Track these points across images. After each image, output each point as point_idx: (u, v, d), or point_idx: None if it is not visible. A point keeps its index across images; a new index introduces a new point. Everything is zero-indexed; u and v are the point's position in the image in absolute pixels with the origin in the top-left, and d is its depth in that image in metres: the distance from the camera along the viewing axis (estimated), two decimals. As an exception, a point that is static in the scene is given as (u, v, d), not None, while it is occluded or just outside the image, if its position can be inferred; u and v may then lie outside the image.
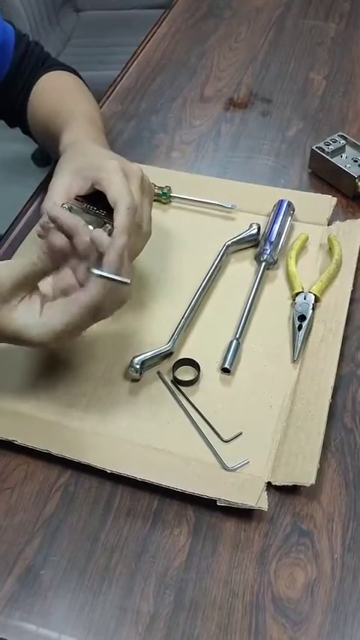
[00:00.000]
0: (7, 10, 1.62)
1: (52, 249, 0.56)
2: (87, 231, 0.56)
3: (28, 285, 0.57)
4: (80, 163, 0.66)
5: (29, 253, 0.57)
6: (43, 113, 0.81)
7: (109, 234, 0.58)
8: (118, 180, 0.61)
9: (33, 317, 0.56)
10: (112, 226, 0.58)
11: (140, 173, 0.65)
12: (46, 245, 0.56)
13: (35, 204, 0.86)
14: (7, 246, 0.80)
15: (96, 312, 0.56)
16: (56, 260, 0.57)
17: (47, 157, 2.30)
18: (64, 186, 0.64)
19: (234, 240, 0.76)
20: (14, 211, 0.90)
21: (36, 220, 0.81)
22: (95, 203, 0.63)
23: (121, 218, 0.59)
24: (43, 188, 0.87)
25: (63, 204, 0.63)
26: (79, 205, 0.64)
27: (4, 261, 0.57)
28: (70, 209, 0.62)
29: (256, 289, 0.72)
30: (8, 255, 0.78)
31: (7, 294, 0.55)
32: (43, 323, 0.55)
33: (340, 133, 0.87)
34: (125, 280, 0.54)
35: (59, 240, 0.55)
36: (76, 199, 0.64)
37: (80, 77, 0.89)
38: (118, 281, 0.54)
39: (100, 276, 0.54)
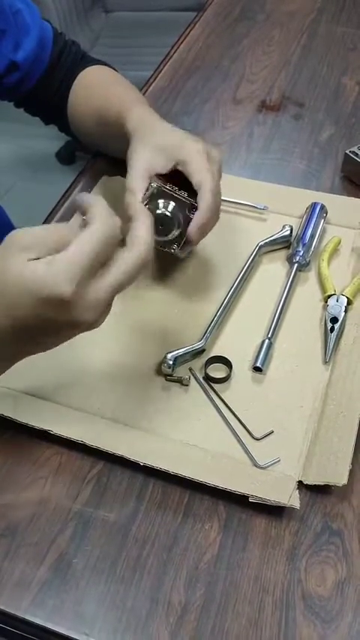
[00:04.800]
0: (39, 8, 1.63)
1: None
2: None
3: (55, 245, 0.47)
4: (161, 141, 0.66)
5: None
6: (93, 105, 0.81)
7: (192, 213, 0.63)
8: (203, 162, 0.63)
9: (51, 260, 0.46)
10: (195, 205, 0.63)
11: (221, 157, 0.67)
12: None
13: (67, 202, 0.86)
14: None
15: (140, 271, 0.50)
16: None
17: (71, 155, 2.35)
18: (146, 163, 0.65)
19: (266, 240, 0.77)
20: (40, 209, 0.91)
21: (69, 219, 0.82)
22: (173, 183, 0.66)
23: (206, 200, 0.62)
24: (75, 186, 0.89)
25: (150, 182, 0.64)
26: (163, 185, 0.65)
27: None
28: (157, 188, 0.64)
29: (288, 290, 0.72)
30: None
31: (25, 247, 0.47)
32: (66, 262, 0.45)
33: (374, 138, 0.87)
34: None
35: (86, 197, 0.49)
36: (157, 177, 0.65)
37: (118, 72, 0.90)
38: None
39: None
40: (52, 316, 0.47)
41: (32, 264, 0.46)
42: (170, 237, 0.65)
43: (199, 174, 0.63)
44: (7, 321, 0.48)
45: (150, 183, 0.64)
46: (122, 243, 0.50)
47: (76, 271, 0.46)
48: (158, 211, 0.64)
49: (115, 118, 0.74)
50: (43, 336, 0.51)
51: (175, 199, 0.65)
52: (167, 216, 0.64)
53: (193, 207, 0.65)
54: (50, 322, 0.48)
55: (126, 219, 0.52)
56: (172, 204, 0.64)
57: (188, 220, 0.64)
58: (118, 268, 0.48)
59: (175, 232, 0.65)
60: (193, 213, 0.64)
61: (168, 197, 0.65)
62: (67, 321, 0.48)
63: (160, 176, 0.66)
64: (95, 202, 0.49)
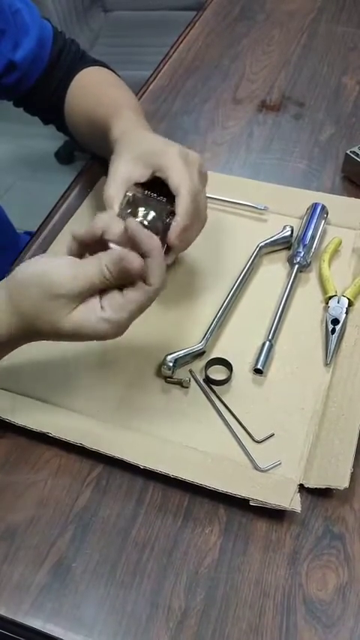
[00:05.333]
0: (38, 8, 1.63)
1: (126, 272, 0.53)
2: (161, 252, 0.55)
3: (90, 292, 0.54)
4: (140, 150, 0.66)
5: (97, 264, 0.53)
6: (86, 106, 0.81)
7: (171, 219, 0.62)
8: (179, 166, 0.62)
9: (95, 315, 0.53)
10: (174, 211, 0.61)
11: (199, 160, 0.66)
12: (119, 268, 0.53)
13: (67, 201, 0.86)
14: (40, 242, 0.81)
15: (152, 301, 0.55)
16: (125, 280, 0.54)
17: (71, 154, 2.35)
18: (125, 173, 0.65)
19: (267, 241, 0.76)
20: (40, 208, 0.91)
21: (68, 219, 0.82)
22: (152, 190, 0.65)
23: (184, 202, 0.61)
24: (74, 186, 0.88)
25: (126, 192, 0.64)
26: (140, 192, 0.64)
27: (62, 261, 0.54)
28: (133, 196, 0.63)
29: (289, 291, 0.72)
30: (40, 251, 0.79)
31: (73, 298, 0.53)
32: (107, 319, 0.53)
33: (374, 139, 0.87)
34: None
35: (136, 265, 0.52)
36: (135, 186, 0.65)
37: (116, 74, 0.89)
38: None
39: None
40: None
41: (78, 316, 0.53)
42: None
43: (176, 179, 0.62)
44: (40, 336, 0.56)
45: (126, 192, 0.63)
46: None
47: (126, 323, 0.54)
48: (140, 219, 0.62)
49: (103, 122, 0.74)
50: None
51: (153, 207, 0.63)
52: (144, 224, 0.62)
53: (173, 213, 0.63)
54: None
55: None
56: (151, 213, 0.62)
57: (167, 226, 0.63)
58: (136, 304, 0.54)
59: None
60: (172, 218, 0.62)
61: (145, 204, 0.63)
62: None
63: (140, 185, 0.65)
64: (155, 266, 0.53)
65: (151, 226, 0.62)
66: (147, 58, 1.43)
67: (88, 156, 0.93)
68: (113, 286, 0.53)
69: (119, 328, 0.54)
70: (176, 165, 0.63)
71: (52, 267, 0.53)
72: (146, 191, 0.65)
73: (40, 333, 0.55)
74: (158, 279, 0.53)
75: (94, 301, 0.53)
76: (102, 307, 0.53)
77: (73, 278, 0.52)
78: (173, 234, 0.62)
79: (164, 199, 0.64)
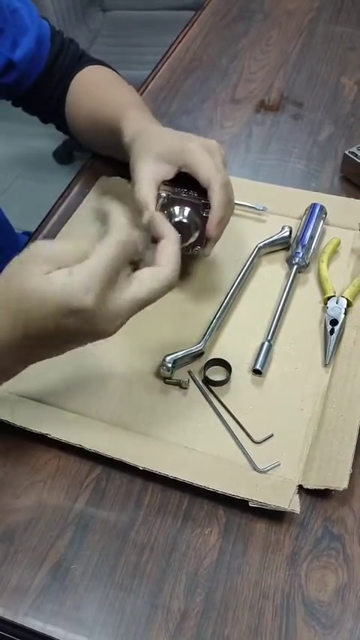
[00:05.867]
0: (37, 7, 1.63)
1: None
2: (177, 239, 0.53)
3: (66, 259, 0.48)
4: (160, 149, 0.66)
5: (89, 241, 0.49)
6: (88, 106, 0.81)
7: (207, 212, 0.63)
8: (205, 160, 0.64)
9: (62, 275, 0.46)
10: (208, 204, 0.63)
11: (220, 148, 0.67)
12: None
13: (66, 201, 0.86)
14: (39, 242, 0.80)
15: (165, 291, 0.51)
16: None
17: (69, 154, 2.35)
18: (151, 173, 0.65)
19: (266, 242, 0.76)
20: (38, 208, 0.91)
21: (67, 219, 0.82)
22: (180, 185, 0.66)
23: (217, 195, 0.63)
24: (73, 186, 0.88)
25: (159, 192, 0.65)
26: (172, 191, 0.66)
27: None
28: (167, 197, 0.65)
29: (288, 292, 0.72)
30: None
31: (47, 259, 0.47)
32: (83, 275, 0.46)
33: (373, 139, 0.87)
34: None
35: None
36: (164, 184, 0.66)
37: (116, 72, 0.89)
38: None
39: None
40: (72, 326, 0.48)
41: (51, 275, 0.47)
42: (191, 240, 0.66)
43: (205, 173, 0.64)
44: (21, 330, 0.48)
45: (159, 192, 0.65)
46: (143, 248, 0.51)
47: (96, 281, 0.46)
48: (175, 219, 0.65)
49: (110, 120, 0.74)
50: (56, 345, 0.52)
51: (187, 203, 0.65)
52: (184, 222, 0.65)
53: (206, 206, 0.65)
54: (69, 332, 0.48)
55: (141, 227, 0.53)
56: (186, 209, 0.65)
57: (204, 219, 0.65)
58: (142, 286, 0.49)
59: (195, 235, 0.66)
60: (208, 211, 0.65)
61: (180, 203, 0.65)
62: (86, 331, 0.49)
63: (167, 181, 0.67)
64: (112, 210, 0.49)
65: (190, 222, 0.65)
66: (146, 57, 1.43)
67: (87, 155, 0.93)
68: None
69: (101, 287, 0.46)
70: (202, 159, 0.64)
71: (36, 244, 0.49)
72: (176, 188, 0.66)
73: (9, 302, 0.48)
74: (171, 264, 0.51)
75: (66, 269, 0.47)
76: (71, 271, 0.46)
77: (56, 243, 0.50)
78: (212, 226, 0.63)
79: (195, 194, 0.66)
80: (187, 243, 0.66)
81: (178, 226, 0.63)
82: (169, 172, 0.66)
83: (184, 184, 0.66)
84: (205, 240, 0.66)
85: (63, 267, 0.47)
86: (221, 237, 0.67)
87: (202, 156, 0.64)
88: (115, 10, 2.15)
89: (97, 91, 0.82)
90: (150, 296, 0.50)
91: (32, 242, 0.78)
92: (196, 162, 0.64)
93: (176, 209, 0.65)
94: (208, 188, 0.64)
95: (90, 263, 0.46)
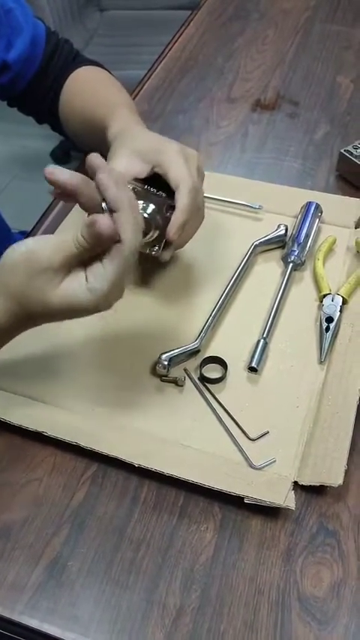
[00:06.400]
0: (32, 7, 1.63)
1: (98, 237, 0.53)
2: (132, 206, 0.54)
3: (74, 262, 0.54)
4: (139, 146, 0.66)
5: (73, 233, 0.53)
6: (81, 106, 0.81)
7: (171, 213, 0.62)
8: (179, 162, 0.63)
9: (80, 285, 0.53)
10: (174, 206, 0.62)
11: (197, 157, 0.67)
12: (90, 232, 0.52)
13: (60, 203, 0.86)
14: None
15: (131, 261, 0.54)
16: (100, 245, 0.53)
17: (66, 154, 2.34)
18: (123, 167, 0.65)
19: (261, 240, 0.76)
20: (35, 208, 0.91)
21: (62, 219, 0.82)
22: (151, 186, 0.65)
23: (183, 198, 0.62)
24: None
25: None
26: (140, 186, 0.65)
27: (47, 237, 0.55)
28: (133, 189, 0.63)
29: (283, 290, 0.72)
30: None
31: (57, 269, 0.53)
32: (90, 288, 0.53)
33: (369, 137, 0.87)
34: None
35: (105, 226, 0.52)
36: (134, 180, 0.65)
37: (110, 73, 0.89)
38: None
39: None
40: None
41: (72, 288, 0.53)
42: (148, 238, 0.65)
43: (176, 174, 0.63)
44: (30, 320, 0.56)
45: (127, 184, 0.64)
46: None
47: (110, 291, 0.53)
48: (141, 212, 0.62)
49: (100, 120, 0.74)
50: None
51: (152, 200, 0.64)
52: (144, 217, 0.63)
53: (172, 208, 0.63)
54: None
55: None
56: (150, 206, 0.64)
57: (167, 220, 0.64)
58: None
59: (154, 234, 0.65)
60: (171, 213, 0.63)
61: (144, 197, 0.64)
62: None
63: (139, 180, 0.66)
64: (117, 196, 0.52)
65: (150, 219, 0.64)
66: (143, 57, 1.43)
67: (83, 156, 0.93)
68: (93, 254, 0.53)
69: (106, 298, 0.53)
70: (176, 161, 0.64)
71: (36, 244, 0.54)
72: (146, 186, 0.65)
73: (33, 316, 0.55)
74: (129, 234, 0.52)
75: (80, 273, 0.53)
76: (86, 278, 0.53)
77: (54, 250, 0.53)
78: (172, 228, 0.62)
79: (164, 194, 0.64)
80: (145, 240, 0.64)
81: None
82: (141, 170, 0.65)
83: (158, 187, 0.65)
84: (163, 243, 0.65)
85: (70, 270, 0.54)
86: (220, 235, 0.67)
87: (176, 158, 0.64)
88: (111, 9, 2.15)
89: (90, 91, 0.83)
90: (121, 274, 0.53)
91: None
92: (167, 163, 0.64)
93: (140, 203, 0.63)
94: (176, 190, 0.63)
95: (108, 277, 0.53)
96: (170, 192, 0.64)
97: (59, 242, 0.53)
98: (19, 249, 0.54)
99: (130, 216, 0.53)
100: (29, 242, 0.54)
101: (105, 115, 0.74)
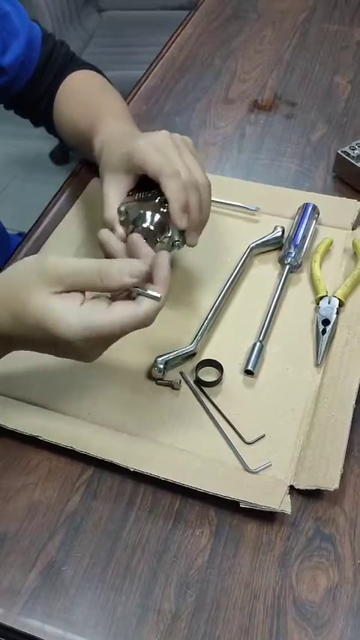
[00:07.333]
0: (30, 8, 1.63)
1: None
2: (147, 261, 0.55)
3: (76, 284, 0.52)
4: (116, 159, 0.66)
5: (95, 261, 0.52)
6: (71, 113, 0.81)
7: (165, 207, 0.62)
8: (150, 155, 0.62)
9: (72, 306, 0.50)
10: (166, 199, 0.62)
11: (166, 134, 0.66)
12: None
13: (59, 203, 0.86)
14: (32, 244, 0.81)
15: (133, 330, 0.53)
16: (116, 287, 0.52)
17: (65, 155, 2.34)
18: (113, 190, 0.65)
19: (258, 242, 0.76)
20: (34, 208, 0.91)
21: (58, 221, 0.82)
22: (145, 187, 0.65)
23: (168, 186, 0.61)
24: (65, 188, 0.88)
25: (119, 208, 0.64)
26: (131, 201, 0.65)
27: (73, 259, 0.53)
28: (126, 212, 0.64)
29: (280, 292, 0.72)
30: (32, 252, 0.79)
31: (53, 281, 0.50)
32: (82, 316, 0.50)
33: (366, 138, 0.87)
34: (156, 296, 0.53)
35: (140, 267, 0.52)
36: (128, 194, 0.65)
37: (105, 77, 0.89)
38: (152, 296, 0.53)
39: (140, 293, 0.53)
40: (55, 350, 0.54)
41: (54, 301, 0.50)
42: (166, 238, 0.64)
43: (152, 168, 0.62)
44: (15, 338, 0.54)
45: (119, 208, 0.64)
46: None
47: (93, 334, 0.50)
48: (140, 227, 0.63)
49: (87, 132, 0.74)
50: (42, 350, 0.55)
51: (146, 207, 0.63)
52: (149, 229, 0.63)
53: (165, 201, 0.63)
54: (53, 350, 0.54)
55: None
56: (147, 213, 0.63)
57: (168, 214, 0.63)
58: (129, 322, 0.52)
59: (167, 233, 0.65)
60: (167, 206, 0.63)
61: (139, 209, 0.64)
62: (69, 355, 0.54)
63: (131, 190, 0.66)
64: (161, 281, 0.53)
65: (157, 225, 0.64)
66: (141, 57, 1.42)
67: (81, 157, 0.93)
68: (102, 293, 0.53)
69: (87, 339, 0.50)
70: (147, 155, 0.63)
71: (49, 256, 0.52)
72: (138, 194, 0.65)
73: (7, 319, 0.51)
74: (163, 289, 0.53)
75: (76, 297, 0.51)
76: (82, 303, 0.50)
77: (64, 263, 0.51)
78: (176, 217, 0.62)
79: (155, 192, 0.64)
80: (165, 240, 0.64)
81: (147, 233, 0.62)
82: (128, 182, 0.65)
83: (151, 184, 0.64)
84: (180, 233, 0.64)
85: (69, 289, 0.51)
86: (216, 236, 0.66)
87: (147, 153, 0.63)
88: (110, 10, 2.15)
89: (80, 98, 0.82)
90: (121, 328, 0.52)
91: (26, 241, 0.79)
92: (141, 162, 0.63)
93: (140, 218, 0.63)
94: (159, 183, 0.62)
95: (100, 321, 0.50)
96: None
97: (73, 261, 0.52)
98: (30, 260, 0.53)
99: (167, 276, 0.54)
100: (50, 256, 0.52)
101: (91, 126, 0.74)
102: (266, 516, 0.56)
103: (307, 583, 0.53)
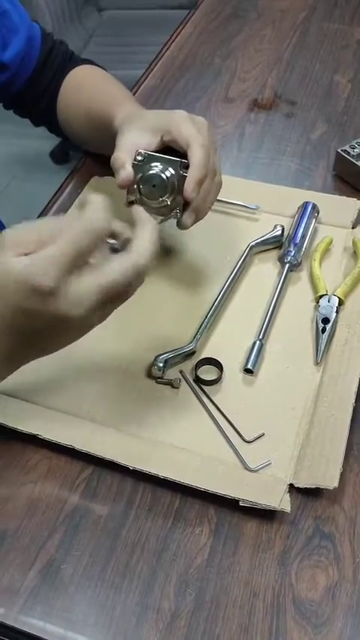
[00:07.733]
0: (30, 7, 1.63)
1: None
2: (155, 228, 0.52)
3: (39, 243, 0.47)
4: (145, 122, 0.66)
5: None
6: (84, 101, 0.81)
7: (184, 171, 0.61)
8: (187, 124, 0.63)
9: (43, 253, 0.46)
10: (188, 166, 0.61)
11: (207, 123, 0.66)
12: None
13: (58, 202, 0.86)
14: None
15: (137, 278, 0.49)
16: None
17: (65, 154, 2.34)
18: (132, 140, 0.64)
19: (258, 241, 0.76)
20: (34, 208, 0.91)
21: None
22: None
23: (196, 153, 0.61)
24: (64, 187, 0.88)
25: (138, 150, 0.63)
26: (152, 152, 0.64)
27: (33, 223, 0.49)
28: (144, 158, 0.63)
29: (280, 291, 0.72)
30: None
31: (16, 244, 0.47)
32: (49, 261, 0.45)
33: (366, 137, 0.87)
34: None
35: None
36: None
37: (106, 71, 0.89)
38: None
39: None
40: (36, 309, 0.47)
41: (16, 258, 0.46)
42: (168, 201, 0.63)
43: (186, 134, 0.63)
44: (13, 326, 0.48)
45: (138, 151, 0.63)
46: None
47: (57, 263, 0.45)
48: (150, 172, 0.62)
49: (106, 115, 0.73)
50: (37, 336, 0.50)
51: (165, 161, 0.62)
52: (160, 176, 0.62)
53: (187, 167, 0.62)
54: (36, 317, 0.47)
55: (125, 219, 0.52)
56: (163, 166, 0.62)
57: (183, 178, 0.62)
58: (110, 269, 0.48)
59: (173, 196, 0.63)
60: (186, 171, 0.62)
61: (158, 160, 0.63)
62: (53, 316, 0.47)
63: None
64: (91, 198, 0.48)
65: (169, 181, 0.62)
66: (140, 57, 1.42)
67: (82, 156, 0.92)
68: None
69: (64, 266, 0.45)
70: (183, 123, 0.63)
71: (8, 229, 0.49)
72: (157, 152, 0.64)
73: None
74: (143, 249, 0.49)
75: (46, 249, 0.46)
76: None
77: (23, 227, 0.48)
78: (190, 185, 0.61)
79: (176, 157, 0.63)
80: (164, 205, 0.63)
81: (153, 179, 0.62)
82: (150, 141, 0.64)
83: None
84: (183, 205, 0.64)
85: (33, 249, 0.46)
86: (216, 235, 0.66)
87: (184, 122, 0.63)
88: (110, 9, 2.15)
89: (92, 87, 0.83)
90: (117, 282, 0.48)
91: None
92: (175, 126, 0.63)
93: (152, 165, 0.62)
94: (188, 148, 0.62)
95: (52, 248, 0.46)
96: (183, 157, 0.63)
97: (41, 221, 0.49)
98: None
99: (153, 237, 0.50)
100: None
101: (109, 109, 0.73)
102: (266, 515, 0.56)
103: (306, 581, 0.53)
